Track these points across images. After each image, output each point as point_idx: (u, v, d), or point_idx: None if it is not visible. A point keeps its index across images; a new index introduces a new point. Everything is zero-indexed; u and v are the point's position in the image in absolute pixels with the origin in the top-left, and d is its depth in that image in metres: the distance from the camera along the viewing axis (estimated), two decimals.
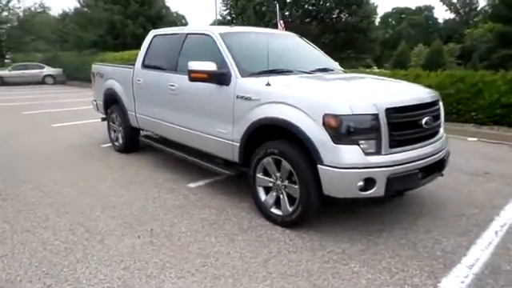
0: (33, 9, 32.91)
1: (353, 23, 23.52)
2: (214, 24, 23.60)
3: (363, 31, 24.12)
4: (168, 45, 4.51)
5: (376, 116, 2.72)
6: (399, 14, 61.14)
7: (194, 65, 3.46)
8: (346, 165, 2.70)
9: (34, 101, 12.84)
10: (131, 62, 5.39)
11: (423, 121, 2.98)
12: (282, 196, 3.13)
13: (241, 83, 3.40)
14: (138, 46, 5.41)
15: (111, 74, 5.64)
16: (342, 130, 2.70)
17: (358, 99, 2.84)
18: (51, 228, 3.11)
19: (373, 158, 2.72)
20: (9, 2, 29.78)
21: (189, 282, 2.39)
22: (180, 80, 4.02)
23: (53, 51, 27.43)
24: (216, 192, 3.97)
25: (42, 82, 21.54)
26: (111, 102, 5.63)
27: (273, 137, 3.17)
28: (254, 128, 3.24)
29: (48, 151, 5.71)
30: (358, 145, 2.71)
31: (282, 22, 11.94)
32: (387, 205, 3.53)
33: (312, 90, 3.14)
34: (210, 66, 3.45)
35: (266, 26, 14.68)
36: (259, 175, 3.28)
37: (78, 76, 19.77)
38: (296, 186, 2.97)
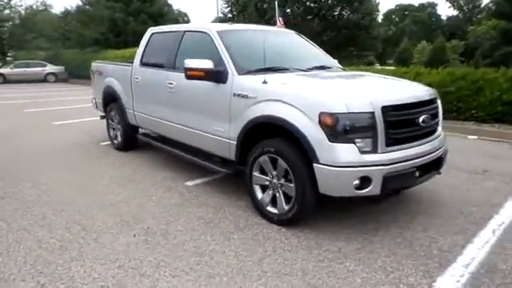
0: (34, 7, 33.02)
1: (355, 20, 23.40)
2: (215, 21, 23.57)
3: (365, 28, 23.98)
4: (166, 42, 4.49)
5: (372, 114, 2.70)
6: (402, 10, 60.83)
7: (191, 63, 3.45)
8: (341, 163, 2.68)
9: (35, 99, 12.88)
10: (132, 59, 5.38)
11: (420, 119, 2.96)
12: (278, 194, 3.12)
13: (237, 81, 3.39)
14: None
15: (110, 71, 5.64)
16: (338, 129, 2.68)
17: (355, 97, 2.82)
18: (47, 226, 3.11)
19: (369, 157, 2.70)
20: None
21: (183, 280, 2.39)
22: (178, 78, 4.01)
23: (55, 49, 27.47)
24: (213, 190, 3.97)
25: (43, 79, 21.61)
26: (110, 100, 5.63)
27: (269, 135, 3.15)
28: (251, 126, 3.23)
29: (47, 149, 5.72)
30: (354, 143, 2.69)
31: (280, 19, 11.90)
32: (384, 203, 3.51)
33: (308, 88, 3.12)
34: (207, 64, 3.43)
35: (267, 23, 14.64)
36: (256, 173, 3.27)
37: (79, 74, 19.78)
38: (292, 185, 2.95)
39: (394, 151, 2.80)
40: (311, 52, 4.47)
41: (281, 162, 3.01)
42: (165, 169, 4.69)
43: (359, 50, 25.45)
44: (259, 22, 17.25)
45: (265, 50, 3.53)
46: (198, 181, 4.26)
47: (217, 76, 3.48)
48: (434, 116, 3.23)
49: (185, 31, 4.28)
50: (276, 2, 12.35)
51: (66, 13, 32.90)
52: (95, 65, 6.20)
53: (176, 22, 27.54)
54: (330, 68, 4.10)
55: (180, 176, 4.41)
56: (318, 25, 23.06)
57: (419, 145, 3.00)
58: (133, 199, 3.73)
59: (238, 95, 3.33)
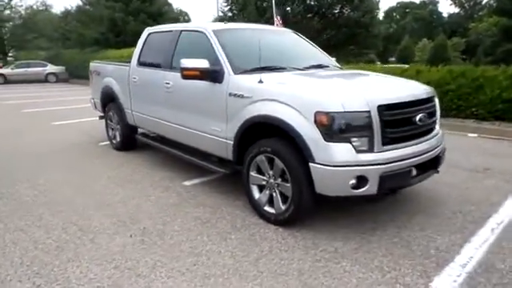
0: (35, 7, 33.04)
1: (355, 18, 23.31)
2: (215, 20, 23.54)
3: (365, 26, 23.89)
4: (163, 42, 4.48)
5: (368, 113, 2.68)
6: (403, 8, 60.63)
7: (187, 62, 3.44)
8: (337, 163, 2.67)
9: (35, 99, 12.90)
10: (129, 59, 5.38)
11: (417, 118, 2.94)
12: (275, 194, 3.11)
13: (233, 80, 3.38)
14: None
15: (108, 72, 5.63)
16: (334, 128, 2.67)
17: (350, 96, 2.80)
18: (44, 227, 3.11)
19: (365, 156, 2.69)
20: (11, 0, 29.90)
21: (178, 281, 2.38)
22: (175, 78, 4.00)
23: (55, 49, 27.52)
24: (211, 190, 3.96)
25: (44, 80, 21.65)
26: (108, 100, 5.63)
27: (266, 135, 3.14)
28: (247, 126, 3.22)
29: (46, 149, 5.72)
30: (350, 142, 2.68)
31: (279, 17, 11.88)
32: (382, 202, 3.50)
33: (304, 88, 3.10)
34: (203, 64, 3.42)
35: (267, 22, 14.59)
36: (253, 173, 3.26)
37: (80, 74, 19.79)
38: (288, 185, 2.94)
39: (391, 150, 2.78)
40: (309, 51, 4.46)
41: (277, 161, 3.00)
42: (163, 169, 4.69)
43: (360, 48, 25.37)
44: (259, 20, 17.20)
45: (261, 49, 3.51)
46: (196, 181, 4.25)
47: (213, 75, 3.47)
48: (432, 114, 3.22)
49: (181, 31, 4.27)
50: (273, 1, 12.31)
51: (67, 13, 32.94)
52: (93, 65, 6.19)
53: (176, 21, 27.52)
54: (327, 67, 4.08)
55: (178, 176, 4.40)
56: (318, 23, 22.98)
57: (416, 144, 2.98)
58: (131, 199, 3.72)
59: (234, 95, 3.32)
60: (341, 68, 4.37)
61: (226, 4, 25.31)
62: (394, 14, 61.67)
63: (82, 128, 7.34)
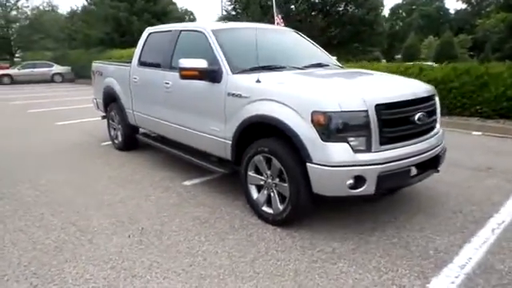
0: (41, 7, 33.31)
1: (359, 16, 23.16)
2: (219, 19, 23.53)
3: (370, 24, 23.71)
4: (162, 42, 4.48)
5: (366, 112, 2.66)
6: (410, 5, 60.04)
7: (185, 62, 3.44)
8: (334, 163, 2.65)
9: (41, 99, 13.02)
10: (131, 59, 5.38)
11: (416, 117, 2.91)
12: (272, 194, 3.10)
13: (232, 80, 3.37)
14: None
15: (110, 72, 5.66)
16: (331, 128, 2.65)
17: (348, 95, 2.78)
18: (44, 227, 3.13)
19: (362, 156, 2.67)
20: (17, 1, 30.17)
21: (174, 282, 2.38)
22: (174, 77, 3.99)
23: (61, 49, 27.74)
24: (211, 190, 3.96)
25: (50, 80, 21.84)
26: (110, 100, 5.65)
27: (264, 134, 3.13)
28: (246, 126, 3.21)
29: (49, 150, 5.76)
30: (347, 142, 2.66)
31: (279, 16, 11.84)
32: (382, 202, 3.47)
33: (301, 87, 3.08)
34: (201, 64, 3.41)
35: (271, 20, 14.52)
36: (251, 173, 3.25)
37: (85, 74, 19.80)
38: (286, 185, 2.93)
39: (389, 150, 2.75)
40: (308, 50, 4.43)
41: (275, 161, 2.98)
42: (163, 168, 4.70)
43: (364, 46, 25.19)
44: (262, 19, 17.16)
45: (261, 48, 3.50)
46: (196, 180, 4.25)
47: (211, 75, 3.46)
48: (431, 113, 3.18)
49: (181, 30, 4.27)
50: (274, 0, 12.27)
51: (73, 13, 33.19)
52: (95, 65, 6.22)
53: (181, 20, 27.60)
54: (327, 66, 4.06)
55: (178, 176, 4.41)
56: (322, 21, 22.84)
57: (415, 143, 2.95)
58: (131, 199, 3.74)
59: (233, 94, 3.31)
60: (341, 67, 4.34)
61: (229, 3, 25.28)
62: (400, 11, 61.13)
63: (85, 128, 7.38)
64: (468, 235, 2.93)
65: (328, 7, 23.72)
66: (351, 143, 2.66)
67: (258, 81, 3.13)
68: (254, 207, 3.28)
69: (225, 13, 25.25)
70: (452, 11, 57.12)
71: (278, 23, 11.18)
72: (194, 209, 3.50)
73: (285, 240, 2.89)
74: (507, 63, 7.26)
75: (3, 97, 14.17)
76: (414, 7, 58.46)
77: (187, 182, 4.19)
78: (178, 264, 2.58)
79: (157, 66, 4.45)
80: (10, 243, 2.86)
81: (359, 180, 2.67)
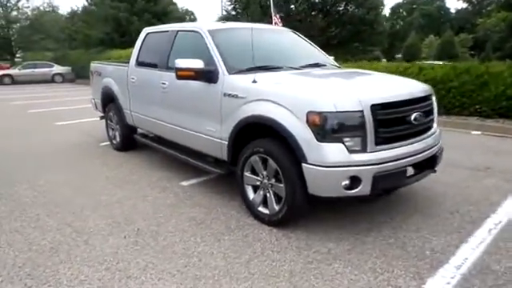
0: (41, 8, 33.36)
1: (359, 15, 23.11)
2: (219, 19, 23.51)
3: (370, 23, 23.67)
4: (160, 42, 4.48)
5: (361, 113, 2.65)
6: (410, 4, 59.98)
7: (181, 62, 3.43)
8: (330, 163, 2.64)
9: (41, 99, 13.04)
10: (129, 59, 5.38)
11: (412, 117, 2.89)
12: (268, 195, 3.09)
13: (228, 80, 3.36)
14: None
15: (108, 72, 5.65)
16: (326, 128, 2.64)
17: (343, 96, 2.77)
18: (40, 228, 3.13)
19: (358, 156, 2.66)
20: (18, 1, 30.22)
21: (169, 283, 2.38)
22: (171, 78, 3.98)
23: (62, 50, 27.78)
24: (208, 190, 3.95)
25: (51, 80, 21.88)
26: (108, 101, 5.65)
27: (260, 135, 3.12)
28: (242, 126, 3.20)
29: (48, 150, 5.76)
30: (343, 142, 2.65)
31: (277, 16, 11.83)
32: (378, 203, 3.46)
33: (297, 87, 3.07)
34: (197, 64, 3.41)
35: (270, 21, 14.50)
36: (247, 174, 3.25)
37: (85, 74, 19.78)
38: (282, 185, 2.92)
39: (385, 150, 2.74)
40: (306, 50, 4.42)
41: (271, 162, 2.98)
42: (161, 169, 4.69)
43: (365, 46, 25.14)
44: (262, 19, 17.12)
45: (258, 48, 3.50)
46: (194, 181, 4.25)
47: (207, 76, 3.45)
48: (428, 113, 3.16)
49: (178, 31, 4.26)
50: (272, 0, 12.27)
51: (73, 13, 33.25)
52: (94, 65, 6.23)
53: (181, 20, 27.61)
54: (324, 66, 4.04)
55: (176, 176, 4.40)
56: (323, 20, 22.81)
57: (411, 143, 2.94)
58: (127, 200, 3.73)
59: (229, 95, 3.30)
60: (338, 67, 4.33)
61: (229, 3, 25.27)
62: (401, 11, 61.07)
63: (84, 128, 7.39)
64: (465, 235, 2.92)
65: (328, 7, 23.68)
66: (346, 143, 2.65)
67: (254, 81, 3.12)
68: (250, 208, 3.27)
69: (225, 13, 25.24)
70: (453, 10, 57.15)
71: (275, 23, 11.16)
72: (190, 209, 3.49)
73: (281, 241, 2.89)
74: (507, 62, 7.23)
75: (4, 97, 14.20)
76: (414, 6, 58.38)
77: (184, 183, 4.19)
78: (173, 265, 2.57)
79: (154, 66, 4.45)
80: (6, 244, 2.86)
81: (354, 180, 2.66)
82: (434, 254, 2.67)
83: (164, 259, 2.64)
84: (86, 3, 27.41)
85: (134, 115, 4.98)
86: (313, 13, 23.46)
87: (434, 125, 3.34)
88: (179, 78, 3.48)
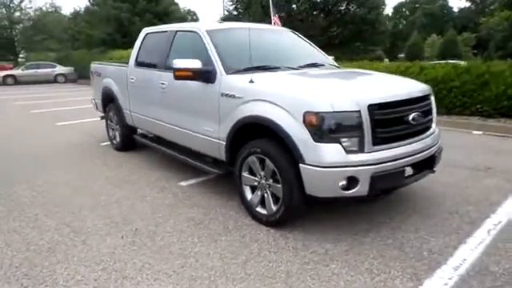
0: (44, 9, 33.51)
1: (361, 15, 23.06)
2: (221, 19, 23.51)
3: (372, 23, 23.61)
4: (159, 42, 4.48)
5: (358, 113, 2.63)
6: (413, 3, 59.85)
7: (179, 63, 3.43)
8: (327, 163, 2.63)
9: (44, 99, 13.08)
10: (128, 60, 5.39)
11: (410, 117, 2.88)
12: (266, 195, 3.08)
13: (226, 80, 3.35)
14: None
15: (108, 72, 5.66)
16: (323, 128, 2.63)
17: (340, 96, 2.76)
18: (38, 228, 3.13)
19: (355, 157, 2.64)
20: (21, 2, 30.36)
21: (165, 283, 2.38)
22: (170, 78, 3.96)
23: (64, 50, 27.88)
24: (206, 190, 3.95)
25: (53, 80, 21.97)
26: (108, 101, 5.66)
27: (258, 135, 3.11)
28: (239, 126, 3.19)
29: (48, 150, 5.78)
30: (340, 143, 2.64)
31: (277, 16, 11.82)
32: (377, 203, 3.44)
33: (294, 87, 3.06)
34: (195, 64, 3.41)
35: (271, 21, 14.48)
36: (245, 174, 3.24)
37: (87, 74, 19.89)
38: (279, 185, 2.91)
39: (382, 150, 2.73)
40: (305, 49, 4.41)
41: (268, 162, 2.97)
42: (160, 169, 4.70)
43: (366, 45, 25.07)
44: (264, 19, 17.11)
45: (256, 48, 3.49)
46: (192, 181, 4.24)
47: (205, 76, 3.45)
48: (427, 113, 3.15)
49: (176, 31, 4.26)
50: (271, 0, 12.25)
51: (76, 14, 33.38)
52: (94, 66, 6.24)
53: (183, 20, 27.62)
54: (322, 65, 4.03)
55: (174, 176, 4.40)
56: (324, 20, 22.79)
57: (410, 143, 2.92)
58: (126, 200, 3.74)
59: (226, 95, 3.30)
60: (337, 67, 4.31)
61: (231, 3, 25.27)
62: (404, 10, 60.92)
63: (84, 128, 7.41)
64: (463, 236, 2.90)
65: (329, 6, 23.65)
66: (343, 144, 2.64)
67: (252, 81, 3.12)
68: (248, 208, 3.27)
69: (226, 13, 25.26)
70: (455, 9, 57.00)
71: (275, 23, 11.15)
72: (188, 209, 3.49)
73: (278, 241, 2.88)
74: (508, 61, 7.18)
75: (7, 97, 14.27)
76: (417, 5, 58.25)
77: (183, 183, 4.18)
78: (169, 265, 2.57)
79: (153, 66, 4.45)
80: (4, 244, 2.87)
81: (352, 181, 2.65)
82: (432, 254, 2.65)
83: (161, 259, 2.64)
84: (89, 3, 27.56)
85: (133, 115, 4.99)
86: (314, 12, 23.44)
87: (433, 125, 3.32)
88: (177, 78, 3.48)
